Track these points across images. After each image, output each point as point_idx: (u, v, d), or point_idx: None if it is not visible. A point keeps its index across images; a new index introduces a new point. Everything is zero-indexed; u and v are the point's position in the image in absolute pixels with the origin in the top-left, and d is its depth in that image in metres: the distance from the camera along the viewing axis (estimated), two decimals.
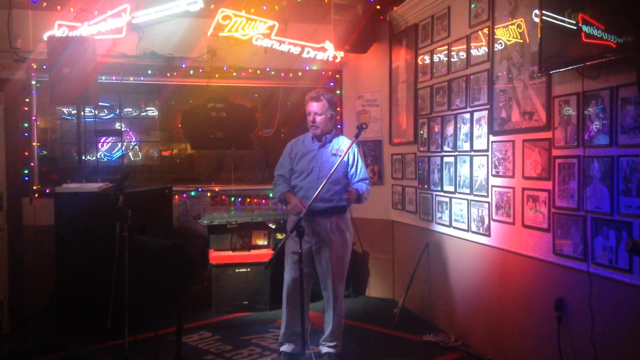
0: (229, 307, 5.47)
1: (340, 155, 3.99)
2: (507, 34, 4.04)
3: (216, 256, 5.51)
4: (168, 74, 6.02)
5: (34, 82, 5.65)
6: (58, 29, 5.40)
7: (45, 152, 6.04)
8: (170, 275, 3.34)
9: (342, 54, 6.17)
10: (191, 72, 6.02)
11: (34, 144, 5.62)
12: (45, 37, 5.33)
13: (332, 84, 6.44)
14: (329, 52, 6.13)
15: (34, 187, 5.56)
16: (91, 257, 4.57)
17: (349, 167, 4.16)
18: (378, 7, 5.91)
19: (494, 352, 4.21)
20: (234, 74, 6.13)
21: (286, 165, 4.28)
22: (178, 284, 3.55)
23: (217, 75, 6.11)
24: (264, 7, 6.00)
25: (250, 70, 6.17)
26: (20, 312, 5.24)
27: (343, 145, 4.18)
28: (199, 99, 6.52)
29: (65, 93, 5.04)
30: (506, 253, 4.03)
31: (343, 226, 4.16)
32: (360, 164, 4.20)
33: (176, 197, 5.90)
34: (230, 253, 5.58)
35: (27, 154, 5.55)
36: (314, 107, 4.14)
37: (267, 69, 6.21)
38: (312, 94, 4.20)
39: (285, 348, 4.23)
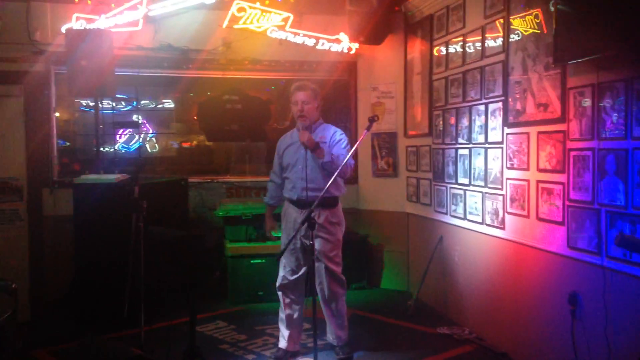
0: (245, 297, 5.52)
1: (326, 142, 3.96)
2: (524, 24, 4.00)
3: (232, 247, 5.56)
4: (184, 66, 6.05)
5: (52, 74, 5.72)
6: (76, 22, 5.45)
7: (68, 144, 6.12)
8: (183, 266, 3.39)
9: (356, 45, 6.14)
10: (206, 64, 6.05)
11: (53, 135, 5.70)
12: (63, 29, 5.39)
13: (346, 75, 6.43)
14: (343, 43, 6.11)
15: (54, 178, 5.65)
16: (108, 247, 4.64)
17: (331, 148, 4.05)
18: None
19: (508, 345, 4.20)
20: (249, 66, 6.14)
21: (276, 166, 4.33)
22: (191, 274, 3.59)
23: (232, 68, 6.13)
24: None
25: (265, 62, 6.18)
26: (40, 301, 5.34)
27: (328, 132, 4.11)
28: (215, 91, 6.56)
29: (83, 85, 5.09)
30: (520, 246, 4.01)
31: (334, 219, 4.10)
32: (342, 143, 4.08)
33: (192, 188, 5.95)
34: (245, 244, 5.62)
35: (46, 145, 5.62)
36: (301, 95, 4.05)
37: (282, 61, 6.21)
38: (298, 83, 4.14)
39: (283, 344, 4.21)
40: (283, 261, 4.15)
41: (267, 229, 4.49)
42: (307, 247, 4.01)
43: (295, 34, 6.00)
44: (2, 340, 2.32)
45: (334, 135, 4.11)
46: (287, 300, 4.17)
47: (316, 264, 4.00)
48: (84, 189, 4.80)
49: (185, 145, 7.46)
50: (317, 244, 3.98)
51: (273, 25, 5.91)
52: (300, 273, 4.12)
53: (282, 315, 4.21)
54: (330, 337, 4.28)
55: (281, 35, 5.95)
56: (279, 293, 4.21)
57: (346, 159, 3.70)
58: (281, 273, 4.18)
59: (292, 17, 5.95)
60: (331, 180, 3.58)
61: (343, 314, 4.21)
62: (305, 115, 4.04)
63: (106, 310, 4.61)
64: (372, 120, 3.80)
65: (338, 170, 3.66)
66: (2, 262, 5.17)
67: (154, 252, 3.92)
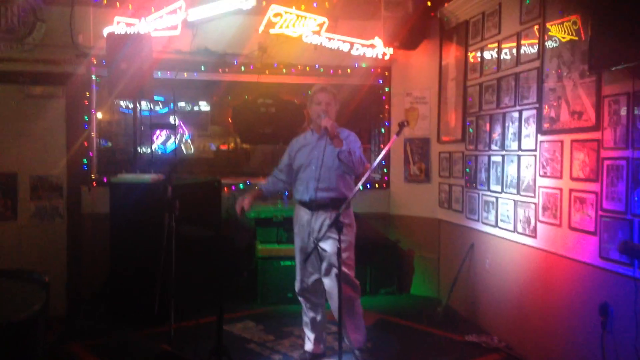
0: (274, 298, 5.58)
1: (330, 144, 3.93)
2: (561, 30, 3.94)
3: (262, 249, 5.63)
4: (220, 70, 6.15)
5: (94, 77, 5.89)
6: (117, 25, 5.61)
7: (110, 144, 6.28)
8: (212, 265, 3.44)
9: (391, 50, 6.14)
10: (242, 68, 6.13)
11: (92, 135, 5.87)
12: (104, 33, 5.54)
13: (380, 81, 6.45)
14: (378, 48, 6.12)
15: (92, 177, 5.81)
16: (142, 246, 4.74)
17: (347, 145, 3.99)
18: (429, 3, 5.86)
19: (537, 355, 4.14)
20: (284, 70, 6.20)
21: (282, 164, 4.35)
22: (219, 273, 3.65)
23: (267, 72, 6.20)
24: (315, 4, 6.05)
25: (299, 67, 6.23)
26: (77, 296, 5.51)
27: (343, 133, 4.07)
28: (250, 95, 6.65)
29: (123, 88, 5.21)
30: (551, 255, 3.96)
31: (346, 220, 3.98)
32: (357, 144, 4.07)
33: (225, 189, 6.04)
34: (276, 246, 5.68)
35: (86, 144, 5.78)
36: (325, 96, 4.10)
37: (316, 66, 6.25)
38: (320, 85, 4.23)
39: (309, 347, 4.23)
40: (299, 266, 4.17)
41: (238, 203, 4.25)
42: (321, 250, 4.01)
43: (330, 39, 6.04)
44: (33, 333, 2.41)
45: (349, 137, 4.10)
46: (309, 304, 4.19)
47: (326, 266, 3.99)
48: (120, 188, 4.94)
49: (223, 147, 7.58)
50: (329, 246, 3.95)
51: (308, 30, 5.97)
52: (318, 276, 4.11)
53: (305, 319, 4.24)
54: (346, 340, 4.16)
55: (316, 40, 6.00)
56: (300, 298, 4.22)
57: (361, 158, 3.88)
58: (299, 277, 4.19)
59: (327, 22, 5.99)
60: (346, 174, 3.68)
61: (359, 316, 4.14)
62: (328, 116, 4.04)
63: (138, 307, 4.71)
64: (402, 125, 3.78)
65: (354, 162, 3.84)
66: (41, 257, 5.36)
67: (184, 251, 4.00)
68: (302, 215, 4.15)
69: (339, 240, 3.48)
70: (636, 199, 3.13)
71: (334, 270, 3.90)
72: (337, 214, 3.52)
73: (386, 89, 6.43)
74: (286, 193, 5.82)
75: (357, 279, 4.18)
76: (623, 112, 3.26)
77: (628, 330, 3.15)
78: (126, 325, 4.60)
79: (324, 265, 4.02)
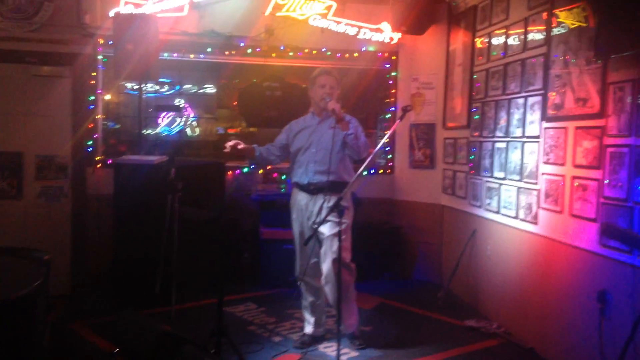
0: (276, 281, 5.60)
1: (336, 127, 3.92)
2: (570, 17, 3.89)
3: (266, 232, 5.65)
4: (227, 52, 6.12)
5: (100, 57, 5.87)
6: (124, 6, 5.59)
7: (118, 126, 6.28)
8: (214, 247, 3.46)
9: (398, 35, 6.11)
10: (249, 51, 6.11)
11: (98, 116, 5.87)
12: (111, 13, 5.54)
13: (387, 65, 6.41)
14: (385, 33, 6.08)
15: (97, 158, 5.83)
16: (146, 227, 4.75)
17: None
18: None
19: (535, 341, 4.15)
20: (290, 53, 6.18)
21: (280, 140, 4.29)
22: (221, 255, 3.67)
23: (273, 55, 6.17)
24: None
25: (306, 50, 6.20)
26: (82, 276, 5.56)
27: (345, 117, 4.02)
28: (256, 78, 6.63)
29: (129, 69, 5.20)
30: (552, 242, 3.95)
31: (344, 204, 3.84)
32: (359, 128, 4.03)
33: (229, 172, 6.06)
34: (279, 229, 5.69)
35: (92, 126, 5.78)
36: (329, 80, 4.09)
37: (323, 50, 6.22)
38: (323, 68, 4.22)
39: (309, 330, 4.26)
40: (298, 250, 4.18)
41: (231, 141, 4.09)
42: (320, 234, 4.00)
43: (337, 22, 6.00)
44: (32, 310, 2.43)
45: (352, 121, 4.07)
46: (309, 288, 4.21)
47: (325, 250, 3.98)
48: (124, 169, 4.96)
49: (231, 131, 7.57)
50: (328, 229, 3.93)
51: (315, 14, 5.93)
52: (317, 260, 4.11)
53: (304, 302, 4.26)
54: (341, 325, 4.08)
55: (323, 23, 5.97)
56: (300, 283, 4.25)
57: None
58: (298, 262, 4.21)
59: (334, 5, 5.96)
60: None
61: (352, 301, 4.13)
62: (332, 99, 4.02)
63: (141, 287, 4.75)
64: (405, 110, 3.78)
65: (360, 146, 3.88)
66: (46, 237, 5.40)
67: (187, 233, 4.02)
68: (300, 199, 4.15)
69: (339, 223, 3.49)
70: (638, 186, 3.11)
71: (333, 255, 3.90)
72: (339, 197, 3.53)
73: (393, 74, 6.39)
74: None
75: (360, 263, 4.21)
76: (628, 99, 3.24)
77: (626, 318, 3.15)
78: (128, 306, 4.63)
79: (323, 249, 4.02)
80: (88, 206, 5.71)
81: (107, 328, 4.46)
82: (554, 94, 4.01)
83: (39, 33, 5.52)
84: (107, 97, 6.30)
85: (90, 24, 5.71)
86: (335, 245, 3.80)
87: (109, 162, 5.73)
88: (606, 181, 3.37)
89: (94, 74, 5.80)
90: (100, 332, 4.40)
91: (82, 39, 5.69)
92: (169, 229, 4.00)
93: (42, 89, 5.52)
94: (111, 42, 5.50)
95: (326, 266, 3.99)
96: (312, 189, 4.07)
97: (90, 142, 5.76)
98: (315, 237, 3.98)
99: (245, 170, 6.13)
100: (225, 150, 4.02)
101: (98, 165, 5.76)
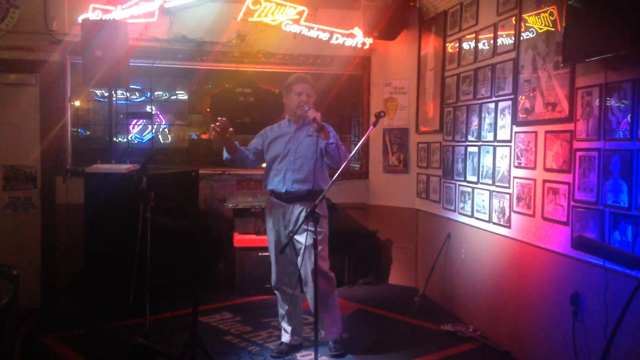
0: (252, 289, 5.55)
1: (316, 136, 3.87)
2: (538, 22, 3.94)
3: (240, 239, 5.60)
4: (198, 59, 6.08)
5: (68, 64, 5.79)
6: (92, 12, 5.51)
7: (88, 133, 6.18)
8: (188, 256, 3.42)
9: (371, 40, 6.13)
10: (221, 56, 6.07)
11: (68, 124, 5.77)
12: (79, 20, 5.45)
13: (360, 70, 6.43)
14: (357, 38, 6.10)
15: (67, 167, 5.72)
16: (118, 237, 4.69)
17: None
18: None
19: (511, 344, 4.19)
20: (263, 59, 6.16)
21: (254, 144, 4.20)
22: (195, 264, 3.63)
23: (246, 61, 6.14)
24: None
25: (278, 56, 6.18)
26: (52, 287, 5.45)
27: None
28: (229, 83, 6.59)
29: (98, 76, 5.13)
30: (525, 245, 3.99)
31: (321, 212, 3.93)
32: (336, 137, 3.98)
33: (203, 179, 6.00)
34: (254, 236, 5.65)
35: (61, 134, 5.69)
36: (305, 87, 4.06)
37: (296, 55, 6.21)
38: (299, 74, 4.15)
39: (286, 339, 4.23)
40: (274, 259, 4.14)
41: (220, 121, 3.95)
42: (297, 243, 3.99)
43: (310, 27, 6.00)
44: (1, 327, 2.36)
45: (330, 129, 4.01)
46: (285, 297, 4.17)
47: (302, 260, 3.95)
48: (95, 178, 4.88)
49: (204, 136, 7.51)
50: (305, 238, 3.86)
51: (288, 19, 5.92)
52: (293, 269, 4.09)
53: (281, 311, 4.22)
54: (322, 332, 4.12)
55: (295, 29, 5.96)
56: (276, 292, 4.21)
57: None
58: (274, 271, 4.17)
59: (307, 10, 5.95)
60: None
61: (335, 309, 4.12)
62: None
63: (113, 298, 4.68)
64: (378, 115, 3.75)
65: (341, 155, 3.82)
66: (15, 248, 5.29)
67: (160, 242, 3.97)
68: (277, 207, 4.11)
69: (315, 232, 3.47)
70: (607, 189, 3.16)
71: (310, 265, 3.88)
72: (314, 205, 3.50)
73: (366, 79, 6.41)
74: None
75: (336, 269, 4.18)
76: (595, 103, 3.29)
77: (599, 320, 3.20)
78: (101, 317, 4.56)
79: (299, 258, 4.00)
80: (58, 217, 5.61)
81: (80, 341, 4.37)
82: (523, 98, 4.06)
83: (5, 40, 5.42)
84: (77, 104, 6.19)
85: (58, 31, 5.63)
86: (312, 255, 3.77)
87: (79, 171, 5.62)
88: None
89: (62, 81, 5.72)
90: (72, 345, 4.30)
91: (49, 46, 5.60)
92: (141, 238, 3.95)
93: (8, 97, 5.42)
94: (79, 49, 5.41)
95: (306, 276, 3.97)
96: (289, 198, 4.03)
97: (59, 151, 5.65)
98: (291, 245, 3.96)
99: (219, 177, 6.07)
100: (216, 124, 3.90)
101: (68, 175, 5.66)
